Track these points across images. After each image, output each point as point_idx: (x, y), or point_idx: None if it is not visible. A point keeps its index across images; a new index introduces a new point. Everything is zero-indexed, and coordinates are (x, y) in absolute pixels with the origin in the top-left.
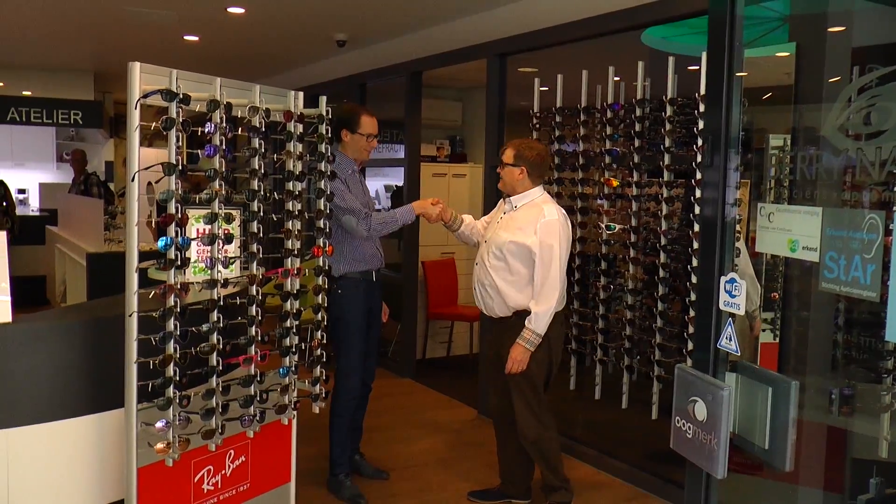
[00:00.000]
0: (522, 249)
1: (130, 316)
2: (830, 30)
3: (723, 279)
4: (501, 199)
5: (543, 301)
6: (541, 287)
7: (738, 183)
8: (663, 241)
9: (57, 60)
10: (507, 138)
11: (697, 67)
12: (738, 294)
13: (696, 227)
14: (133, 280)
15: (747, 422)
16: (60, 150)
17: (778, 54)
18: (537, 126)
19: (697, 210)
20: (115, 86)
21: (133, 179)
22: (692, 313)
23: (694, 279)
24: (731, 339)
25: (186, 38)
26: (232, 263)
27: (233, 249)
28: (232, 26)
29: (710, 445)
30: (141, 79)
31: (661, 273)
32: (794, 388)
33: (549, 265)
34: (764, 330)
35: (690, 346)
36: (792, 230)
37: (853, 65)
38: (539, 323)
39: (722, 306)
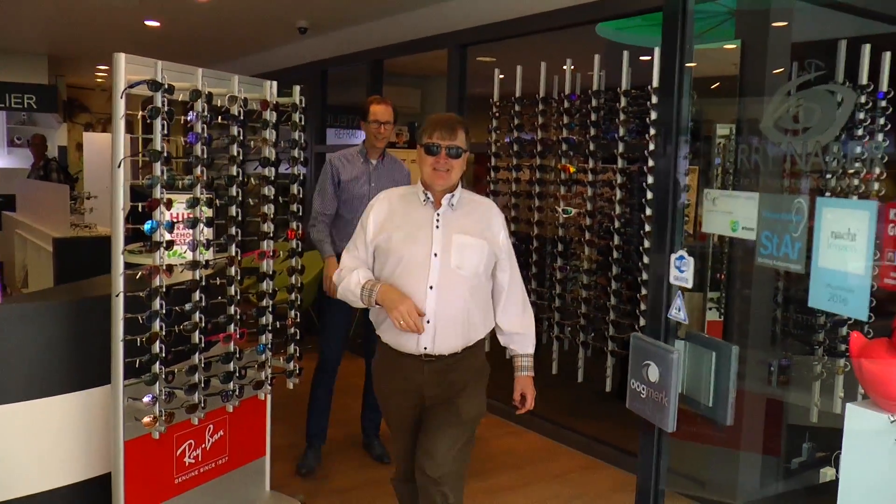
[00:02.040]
0: (492, 259)
1: (117, 296)
2: (773, 25)
3: (673, 256)
4: (418, 194)
5: (530, 314)
6: (523, 298)
7: (687, 170)
8: (617, 225)
9: (9, 43)
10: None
11: (649, 58)
12: (686, 269)
13: (648, 211)
14: (119, 262)
15: (694, 383)
16: (11, 135)
17: (726, 46)
18: (497, 115)
19: (649, 195)
20: (68, 69)
21: (119, 166)
22: (644, 291)
23: (646, 259)
24: (679, 310)
25: (147, 23)
26: (211, 246)
27: (208, 233)
28: (194, 12)
29: (662, 403)
30: (126, 69)
31: (615, 254)
32: (734, 352)
33: (517, 269)
34: (710, 308)
35: (642, 322)
36: (733, 213)
37: (793, 59)
38: (534, 343)
39: (672, 280)
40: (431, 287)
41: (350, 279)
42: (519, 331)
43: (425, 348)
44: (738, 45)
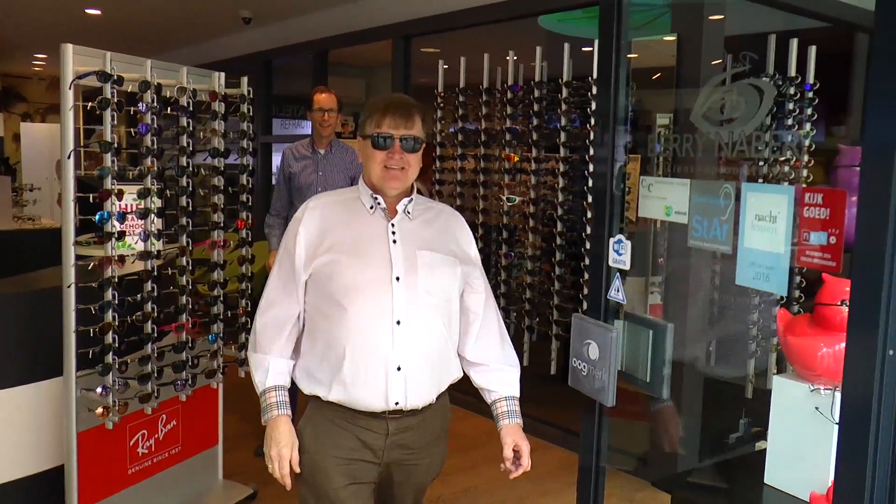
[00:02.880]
0: (464, 279)
1: (69, 287)
2: (708, 18)
3: (611, 240)
4: (362, 200)
5: (511, 346)
6: (501, 325)
7: (628, 158)
8: (560, 212)
9: None
10: None
11: (591, 49)
12: (624, 252)
13: (590, 198)
14: (70, 253)
15: (633, 360)
16: None
17: (665, 38)
18: (441, 105)
19: (591, 183)
20: (4, 57)
21: (69, 157)
22: (586, 276)
23: (588, 245)
24: (618, 291)
25: (88, 11)
26: (162, 236)
27: (159, 223)
28: (136, 0)
29: (601, 380)
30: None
31: (558, 241)
32: (669, 330)
33: (490, 290)
34: (652, 292)
35: (585, 306)
36: (667, 198)
37: (727, 52)
38: (518, 382)
39: (611, 263)
40: (399, 322)
41: (256, 363)
42: (500, 366)
43: (396, 403)
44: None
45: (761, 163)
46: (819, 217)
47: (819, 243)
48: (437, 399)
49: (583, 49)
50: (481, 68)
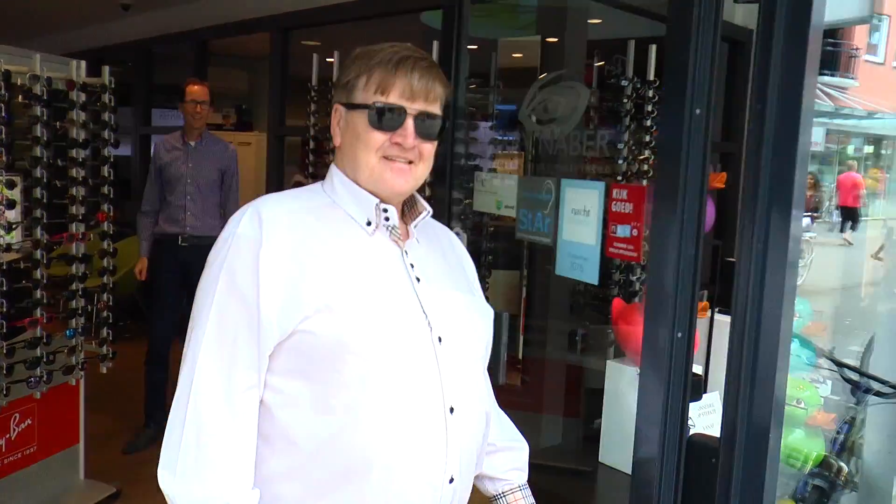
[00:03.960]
0: None
1: None
2: (574, 21)
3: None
4: (348, 210)
5: (509, 420)
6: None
7: (495, 154)
8: None
9: None
10: (289, 110)
11: (475, 47)
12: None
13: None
14: None
15: None
16: None
17: (548, 39)
18: (315, 98)
19: None
20: None
21: None
22: None
23: None
24: None
25: None
26: (14, 229)
27: (14, 216)
28: None
29: None
30: None
31: None
32: (504, 318)
33: None
34: (525, 285)
35: None
36: (497, 193)
37: (591, 56)
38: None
39: None
40: (452, 410)
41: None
42: (506, 444)
43: None
44: (559, 38)
45: (621, 161)
46: (624, 211)
47: (624, 235)
48: None
49: (469, 47)
50: None
